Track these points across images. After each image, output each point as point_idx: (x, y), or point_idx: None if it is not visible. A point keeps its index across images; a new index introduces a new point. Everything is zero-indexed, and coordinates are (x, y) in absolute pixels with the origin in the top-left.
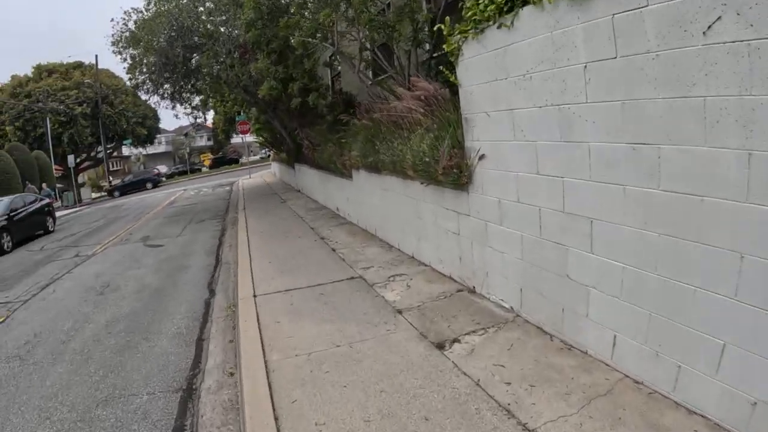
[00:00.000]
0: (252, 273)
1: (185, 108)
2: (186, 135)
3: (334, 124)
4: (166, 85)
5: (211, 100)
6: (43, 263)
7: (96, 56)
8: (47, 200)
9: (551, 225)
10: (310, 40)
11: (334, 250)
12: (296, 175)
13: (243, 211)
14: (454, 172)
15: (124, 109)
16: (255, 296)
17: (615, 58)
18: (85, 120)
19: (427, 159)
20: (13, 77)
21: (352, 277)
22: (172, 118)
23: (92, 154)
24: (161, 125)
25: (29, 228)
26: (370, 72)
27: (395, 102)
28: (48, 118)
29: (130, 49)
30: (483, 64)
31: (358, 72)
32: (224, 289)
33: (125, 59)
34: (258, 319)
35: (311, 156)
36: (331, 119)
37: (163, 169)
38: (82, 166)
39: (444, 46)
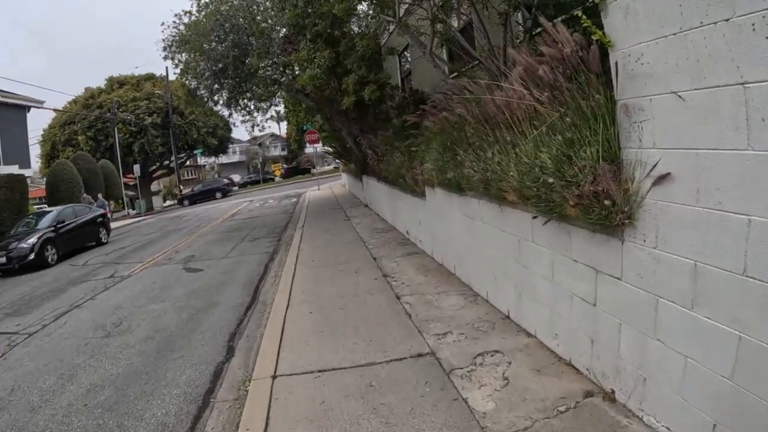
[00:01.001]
0: (283, 330)
1: (243, 116)
2: (260, 145)
3: (402, 129)
4: (223, 92)
5: (280, 108)
6: (76, 283)
7: (167, 68)
8: (101, 211)
9: None
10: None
11: (398, 297)
12: (364, 188)
13: (301, 228)
14: (603, 204)
15: (195, 120)
16: (275, 377)
17: None
18: (155, 130)
19: (550, 179)
20: (87, 89)
21: (420, 354)
22: (245, 128)
23: (165, 163)
24: (236, 135)
25: (79, 240)
26: (445, 53)
27: (498, 85)
28: (116, 128)
29: (183, 54)
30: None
31: (431, 53)
32: (247, 347)
33: (177, 65)
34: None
35: (376, 168)
36: (399, 123)
37: (236, 178)
38: (155, 175)
39: None
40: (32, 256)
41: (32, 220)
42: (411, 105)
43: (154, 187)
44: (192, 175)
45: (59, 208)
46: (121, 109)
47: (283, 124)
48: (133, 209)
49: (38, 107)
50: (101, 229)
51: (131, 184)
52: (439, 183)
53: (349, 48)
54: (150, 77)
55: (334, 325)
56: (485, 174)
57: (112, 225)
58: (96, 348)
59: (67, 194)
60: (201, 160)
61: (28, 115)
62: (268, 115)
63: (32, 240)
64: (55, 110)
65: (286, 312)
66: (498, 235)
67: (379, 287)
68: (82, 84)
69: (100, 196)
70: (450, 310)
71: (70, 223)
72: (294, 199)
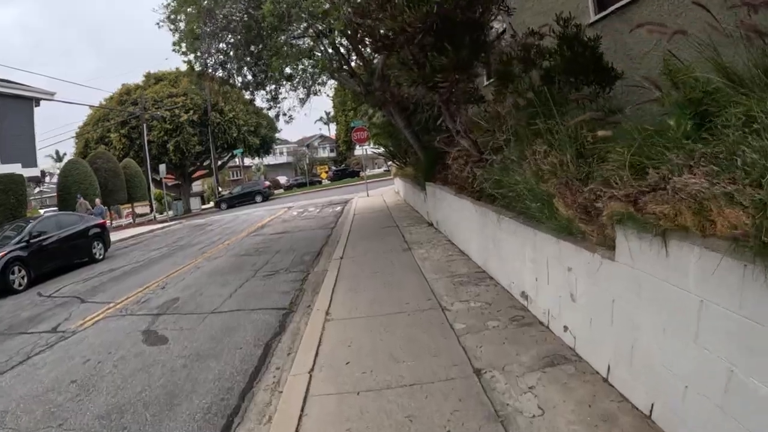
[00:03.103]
0: None
1: (267, 102)
2: (308, 146)
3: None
4: (244, 70)
5: (330, 111)
6: (7, 334)
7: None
8: (97, 220)
9: None
10: None
11: None
12: (427, 200)
13: (339, 260)
14: None
15: (235, 117)
16: None
17: None
18: (192, 128)
19: None
20: (123, 85)
21: None
22: (294, 128)
23: (206, 162)
24: (284, 136)
25: (62, 257)
26: None
27: None
28: (148, 125)
29: (185, 21)
30: None
31: None
32: None
33: (180, 38)
34: None
35: (466, 175)
36: (538, 78)
37: (282, 180)
38: (195, 175)
39: None
40: None
41: (24, 225)
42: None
43: (198, 187)
44: (237, 176)
45: (41, 218)
46: (155, 106)
47: (332, 126)
48: (170, 211)
49: (48, 99)
50: (96, 243)
51: (170, 184)
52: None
53: None
54: (190, 73)
55: None
56: None
57: (134, 231)
58: None
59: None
60: (247, 161)
61: (42, 110)
62: (303, 108)
63: None
64: (65, 102)
65: None
66: None
67: None
68: (127, 81)
69: (97, 201)
70: None
71: (51, 236)
72: (338, 208)
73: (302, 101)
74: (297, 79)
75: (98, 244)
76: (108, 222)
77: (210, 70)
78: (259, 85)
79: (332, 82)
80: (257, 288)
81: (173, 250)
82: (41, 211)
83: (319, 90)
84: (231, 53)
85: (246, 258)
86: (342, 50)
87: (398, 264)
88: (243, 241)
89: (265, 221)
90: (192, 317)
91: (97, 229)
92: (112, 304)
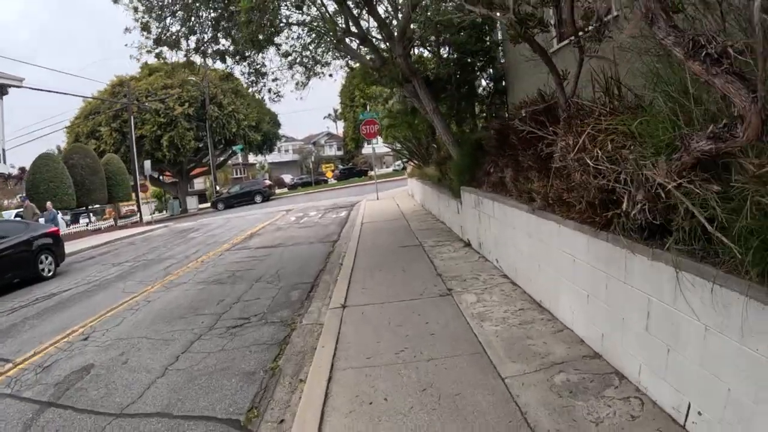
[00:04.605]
0: None
1: (248, 78)
2: (314, 144)
3: None
4: (221, 40)
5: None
6: None
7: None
8: (47, 228)
9: None
10: None
11: None
12: (463, 211)
13: (342, 310)
14: None
15: (235, 111)
16: None
17: None
18: (187, 122)
19: None
20: (117, 76)
21: None
22: (301, 126)
23: (205, 159)
24: (290, 133)
25: None
26: None
27: None
28: (137, 118)
29: None
30: None
31: None
32: None
33: None
34: None
35: (605, 183)
36: None
37: (287, 178)
38: (193, 173)
39: None
40: None
41: None
42: None
43: (200, 185)
44: (240, 174)
45: None
46: (149, 98)
47: (341, 124)
48: (166, 211)
49: (17, 86)
50: (44, 257)
51: (168, 182)
52: None
53: None
54: (189, 64)
55: None
56: None
57: (112, 236)
58: None
59: (48, 196)
60: (251, 158)
61: (41, 102)
62: (302, 92)
63: None
64: (34, 89)
65: None
66: None
67: None
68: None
69: (49, 205)
70: None
71: None
72: (343, 213)
73: (302, 85)
74: (293, 55)
75: (47, 258)
76: (88, 223)
77: (169, 33)
78: (239, 55)
79: (338, 64)
80: (209, 357)
81: (134, 268)
82: (9, 213)
83: (322, 72)
84: (201, 11)
85: (214, 289)
86: (350, 3)
87: (439, 329)
88: (221, 258)
89: (257, 228)
90: (86, 423)
91: (47, 240)
92: (9, 366)
